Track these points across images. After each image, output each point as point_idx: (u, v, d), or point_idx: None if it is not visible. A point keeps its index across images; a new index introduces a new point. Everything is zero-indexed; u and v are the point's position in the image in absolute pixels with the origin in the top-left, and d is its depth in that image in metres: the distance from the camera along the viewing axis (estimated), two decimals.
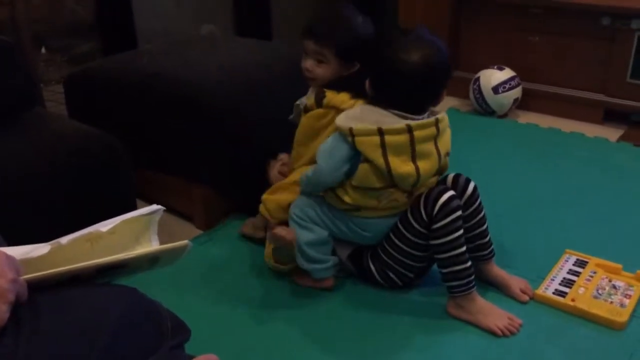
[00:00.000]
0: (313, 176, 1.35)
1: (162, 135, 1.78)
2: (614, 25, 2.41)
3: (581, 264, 1.52)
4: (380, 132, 1.26)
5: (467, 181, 1.40)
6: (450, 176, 1.42)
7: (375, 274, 1.43)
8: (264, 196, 1.56)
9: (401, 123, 1.27)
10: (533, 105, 2.64)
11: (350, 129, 1.27)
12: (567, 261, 1.53)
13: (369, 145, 1.27)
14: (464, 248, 1.31)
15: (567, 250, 1.58)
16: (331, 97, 1.43)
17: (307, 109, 1.48)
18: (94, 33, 2.56)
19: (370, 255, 1.43)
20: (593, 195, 1.90)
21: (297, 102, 1.55)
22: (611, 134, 2.41)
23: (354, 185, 1.32)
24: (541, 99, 2.63)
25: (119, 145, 1.46)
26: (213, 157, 1.73)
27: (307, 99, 1.50)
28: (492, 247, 1.45)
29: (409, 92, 1.29)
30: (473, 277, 1.32)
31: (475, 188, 1.40)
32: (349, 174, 1.32)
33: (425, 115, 1.32)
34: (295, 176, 1.49)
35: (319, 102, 1.44)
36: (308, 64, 1.47)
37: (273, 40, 2.82)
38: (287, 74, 1.76)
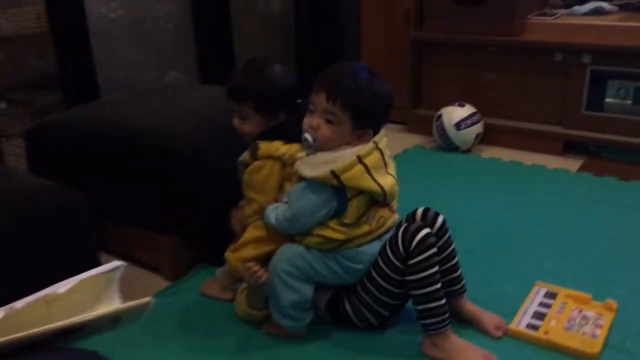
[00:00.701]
0: (285, 221, 1.34)
1: (125, 186, 1.75)
2: (566, 60, 2.50)
3: (551, 295, 1.53)
4: (359, 159, 1.27)
5: (436, 215, 1.42)
6: (420, 210, 1.44)
7: (352, 314, 1.41)
8: (227, 254, 1.53)
9: (368, 145, 1.30)
10: (495, 139, 2.70)
11: (333, 172, 1.25)
12: (537, 293, 1.54)
13: (358, 176, 1.27)
14: (439, 285, 1.30)
15: (537, 282, 1.59)
16: (265, 147, 1.46)
17: (246, 165, 1.50)
18: (56, 85, 2.54)
19: (347, 297, 1.41)
20: (558, 226, 1.94)
21: (240, 159, 1.54)
22: (571, 164, 2.47)
23: (346, 222, 1.31)
24: (503, 133, 2.70)
25: (80, 199, 1.42)
26: (179, 205, 1.70)
27: (243, 155, 1.52)
28: (464, 281, 1.45)
29: (386, 114, 1.35)
30: (448, 314, 1.32)
31: (444, 221, 1.42)
32: (333, 215, 1.32)
33: None
34: (254, 232, 1.47)
35: (254, 155, 1.47)
36: (235, 121, 1.51)
37: None
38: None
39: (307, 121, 1.32)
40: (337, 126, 1.30)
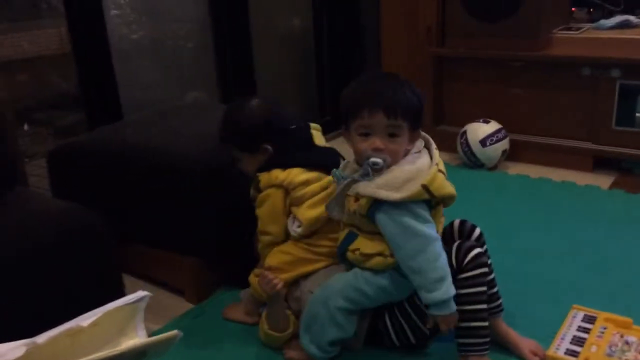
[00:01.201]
0: (438, 267, 1.24)
1: (147, 207, 1.73)
2: (594, 75, 2.44)
3: (590, 319, 1.46)
4: (437, 166, 1.25)
5: (473, 227, 1.41)
6: (457, 221, 1.43)
7: (392, 332, 1.37)
8: (252, 278, 1.53)
9: (425, 152, 1.30)
10: (522, 156, 2.64)
11: (425, 186, 1.21)
12: (575, 317, 1.48)
13: (443, 184, 1.25)
14: (485, 306, 1.28)
15: (574, 305, 1.52)
16: (265, 178, 1.47)
17: (253, 200, 1.52)
18: (79, 105, 2.54)
19: (389, 313, 1.37)
20: (593, 246, 1.87)
21: (250, 197, 1.55)
22: (602, 181, 2.39)
23: None
24: (529, 149, 2.64)
25: (101, 223, 1.40)
26: (200, 226, 1.67)
27: (252, 193, 1.53)
28: (501, 300, 1.40)
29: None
30: (489, 339, 1.27)
31: (481, 234, 1.41)
32: None
33: None
34: (278, 258, 1.46)
35: (257, 188, 1.49)
36: (233, 162, 1.55)
37: None
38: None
39: (367, 146, 1.25)
40: (401, 137, 1.26)
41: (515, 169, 2.59)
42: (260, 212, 1.49)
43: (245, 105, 1.53)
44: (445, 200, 1.28)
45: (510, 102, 2.67)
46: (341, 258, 1.37)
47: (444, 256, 1.24)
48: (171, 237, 1.73)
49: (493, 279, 1.39)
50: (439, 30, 2.82)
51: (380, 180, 1.24)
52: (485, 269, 1.29)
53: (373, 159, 1.24)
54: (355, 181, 1.28)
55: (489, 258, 1.39)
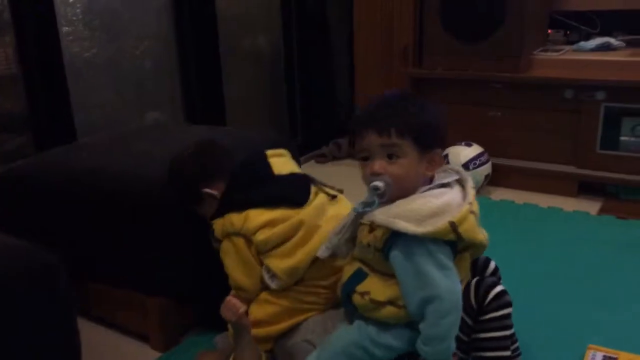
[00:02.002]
0: (443, 325, 1.03)
1: (107, 241, 1.51)
2: (578, 98, 2.37)
3: None
4: (470, 207, 1.07)
5: (487, 260, 1.25)
6: None
7: None
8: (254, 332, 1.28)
9: (457, 187, 1.12)
10: (504, 180, 2.54)
11: (452, 224, 1.03)
12: (593, 359, 1.33)
13: (473, 228, 1.07)
14: (509, 353, 1.12)
15: (590, 345, 1.38)
16: (219, 226, 1.28)
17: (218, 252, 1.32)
18: (26, 127, 2.30)
19: None
20: (594, 277, 1.74)
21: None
22: (589, 206, 2.30)
23: None
24: (512, 174, 2.53)
25: (52, 260, 1.18)
26: (170, 262, 1.46)
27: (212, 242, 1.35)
28: (518, 343, 1.24)
29: (444, 126, 1.17)
30: None
31: (496, 268, 1.25)
32: None
33: None
34: (260, 311, 1.27)
35: (215, 239, 1.31)
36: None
37: (227, 126, 2.64)
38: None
39: (367, 171, 1.11)
40: (404, 158, 1.09)
41: (498, 194, 2.48)
42: (226, 267, 1.29)
43: (176, 158, 1.39)
44: (474, 248, 1.12)
45: (490, 125, 2.57)
46: (346, 300, 1.16)
47: (455, 315, 1.04)
48: (134, 275, 1.51)
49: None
50: (416, 49, 2.72)
51: (398, 208, 1.07)
52: (509, 310, 1.12)
53: (372, 183, 1.09)
54: (363, 212, 1.11)
55: (498, 279, 1.24)
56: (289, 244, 1.23)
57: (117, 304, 1.56)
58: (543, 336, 1.45)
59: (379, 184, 1.08)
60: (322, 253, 1.19)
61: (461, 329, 1.11)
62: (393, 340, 1.10)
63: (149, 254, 1.47)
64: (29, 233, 1.26)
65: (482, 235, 1.10)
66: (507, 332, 1.11)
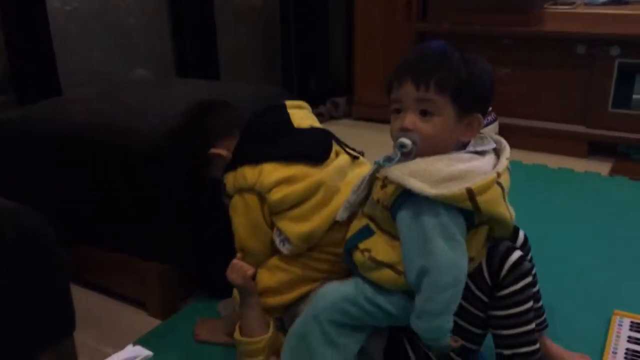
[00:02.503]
0: (439, 300, 0.94)
1: (102, 202, 1.40)
2: (591, 53, 2.26)
3: (639, 328, 1.25)
4: (498, 176, 0.95)
5: (516, 230, 1.13)
6: None
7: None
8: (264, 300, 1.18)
9: (491, 157, 1.00)
10: (511, 140, 2.36)
11: (470, 191, 0.92)
12: (620, 326, 1.27)
13: (496, 200, 0.95)
14: (533, 326, 1.01)
15: (616, 311, 1.31)
16: (231, 180, 1.15)
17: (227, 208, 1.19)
18: (8, 84, 2.15)
19: (409, 340, 1.08)
20: (612, 240, 1.67)
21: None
22: (600, 167, 2.23)
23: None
24: (519, 133, 2.43)
25: (42, 222, 1.07)
26: (167, 224, 1.36)
27: (223, 198, 1.22)
28: (545, 315, 1.16)
29: (491, 89, 1.04)
30: None
31: (526, 238, 1.14)
32: None
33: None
34: (271, 278, 1.15)
35: (226, 194, 1.18)
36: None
37: (223, 80, 2.50)
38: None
39: (396, 125, 0.99)
40: (438, 116, 0.97)
41: None
42: (233, 225, 1.17)
43: (177, 123, 1.25)
44: (495, 224, 0.99)
45: (499, 83, 2.43)
46: (347, 255, 1.07)
47: (454, 292, 0.95)
48: (130, 239, 1.40)
49: (538, 291, 1.15)
50: (420, 3, 2.58)
51: (415, 166, 0.96)
52: (530, 279, 1.00)
53: (399, 140, 0.97)
54: (381, 165, 1.00)
55: (533, 268, 1.13)
56: (306, 206, 1.11)
57: (111, 269, 1.46)
58: (565, 303, 1.37)
59: (406, 140, 0.97)
60: (341, 214, 1.10)
61: (474, 305, 1.02)
62: (389, 305, 1.01)
63: (145, 216, 1.36)
64: (15, 192, 1.15)
65: (505, 210, 0.97)
66: (528, 305, 1.00)
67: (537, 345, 1.01)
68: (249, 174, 1.11)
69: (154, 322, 1.39)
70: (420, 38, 2.57)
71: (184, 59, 2.43)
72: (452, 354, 1.07)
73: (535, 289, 1.13)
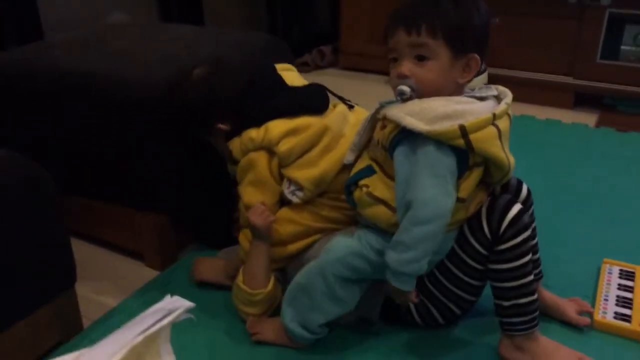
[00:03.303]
0: (414, 233, 0.95)
1: (96, 151, 1.36)
2: (582, 2, 2.25)
3: (628, 275, 1.30)
4: (494, 119, 0.96)
5: (520, 183, 1.15)
6: None
7: (415, 313, 1.12)
8: (241, 238, 1.20)
9: (492, 102, 1.00)
10: None
11: (462, 127, 0.92)
12: (610, 273, 1.31)
13: (491, 140, 0.95)
14: (532, 277, 1.03)
15: (605, 259, 1.35)
16: (237, 145, 1.17)
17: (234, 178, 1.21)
18: None
19: None
20: (601, 191, 1.70)
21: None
22: (586, 118, 2.25)
23: (458, 197, 0.98)
24: (507, 84, 2.38)
25: (44, 174, 1.04)
26: (162, 175, 1.34)
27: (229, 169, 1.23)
28: (541, 266, 1.19)
29: (487, 27, 1.02)
30: (538, 312, 1.05)
31: (529, 192, 1.15)
32: None
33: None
34: (282, 229, 1.16)
35: (233, 160, 1.19)
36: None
37: (210, 26, 2.43)
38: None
39: (394, 72, 1.00)
40: (434, 60, 0.97)
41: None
42: (241, 186, 1.17)
43: (181, 84, 1.22)
44: (491, 166, 1.00)
45: None
46: (347, 191, 1.08)
47: (432, 228, 0.94)
48: (125, 189, 1.38)
49: (536, 244, 1.17)
50: None
51: (412, 105, 0.97)
52: (528, 232, 1.02)
53: (398, 87, 0.99)
54: (382, 106, 1.02)
55: (534, 221, 1.16)
56: (313, 152, 1.13)
57: (105, 220, 1.45)
58: (556, 252, 1.40)
59: (404, 88, 0.98)
60: (348, 157, 1.12)
61: (473, 258, 1.04)
62: None
63: (139, 166, 1.34)
64: (3, 141, 1.12)
65: (500, 151, 0.97)
66: (527, 258, 1.01)
67: (536, 295, 1.03)
68: (254, 134, 1.13)
69: (153, 273, 1.39)
70: None
71: (167, 2, 2.34)
72: (451, 305, 1.10)
73: (534, 242, 1.16)
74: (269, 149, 1.13)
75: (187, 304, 0.57)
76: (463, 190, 0.99)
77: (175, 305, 0.55)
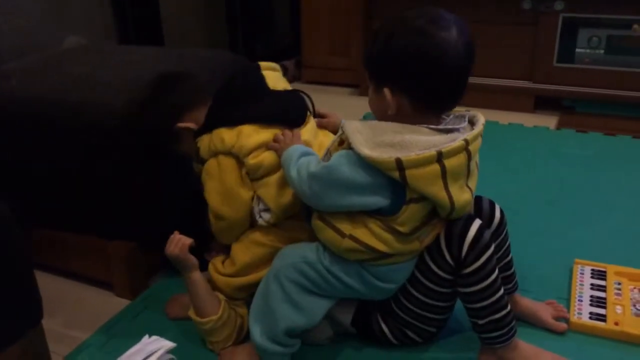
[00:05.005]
0: (310, 178, 0.96)
1: (61, 181, 1.32)
2: (536, 8, 2.30)
3: (600, 275, 1.32)
4: (440, 157, 0.90)
5: (492, 205, 1.14)
6: None
7: (390, 335, 1.11)
8: (216, 276, 1.16)
9: (454, 138, 0.92)
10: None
11: (399, 161, 0.89)
12: (582, 274, 1.32)
13: (428, 179, 0.91)
14: (502, 290, 1.02)
15: (577, 260, 1.37)
16: (205, 143, 1.12)
17: (199, 177, 1.16)
18: None
19: (381, 315, 1.11)
20: (567, 192, 1.74)
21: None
22: (547, 121, 2.30)
23: (400, 231, 0.97)
24: (468, 91, 2.45)
25: (2, 207, 1.00)
26: (133, 202, 1.30)
27: (194, 166, 1.19)
28: (516, 277, 1.20)
29: (451, 83, 0.98)
30: (515, 321, 1.05)
31: (502, 213, 1.15)
32: (378, 214, 0.97)
33: (450, 118, 1.02)
34: (246, 254, 1.13)
35: (199, 159, 1.14)
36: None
37: (169, 47, 2.40)
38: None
39: None
40: (370, 89, 1.00)
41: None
42: (206, 190, 1.13)
43: (136, 99, 1.20)
44: (436, 205, 0.95)
45: None
46: (307, 218, 1.07)
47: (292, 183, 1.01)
48: (92, 219, 1.34)
49: (510, 260, 1.17)
50: None
51: (369, 125, 0.95)
52: (491, 250, 1.00)
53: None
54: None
55: (507, 240, 1.16)
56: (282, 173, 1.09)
57: (71, 251, 1.40)
58: (526, 254, 1.41)
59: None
60: None
61: (439, 284, 1.03)
62: (345, 275, 1.02)
63: (108, 194, 1.30)
64: None
65: (439, 191, 0.92)
66: (494, 276, 1.00)
67: (509, 307, 1.03)
68: (226, 135, 1.08)
69: (122, 302, 1.35)
70: None
71: (125, 24, 2.31)
72: (424, 326, 1.10)
73: (507, 259, 1.17)
74: (238, 157, 1.09)
75: (167, 344, 0.55)
76: (402, 224, 0.96)
77: (154, 347, 0.53)
